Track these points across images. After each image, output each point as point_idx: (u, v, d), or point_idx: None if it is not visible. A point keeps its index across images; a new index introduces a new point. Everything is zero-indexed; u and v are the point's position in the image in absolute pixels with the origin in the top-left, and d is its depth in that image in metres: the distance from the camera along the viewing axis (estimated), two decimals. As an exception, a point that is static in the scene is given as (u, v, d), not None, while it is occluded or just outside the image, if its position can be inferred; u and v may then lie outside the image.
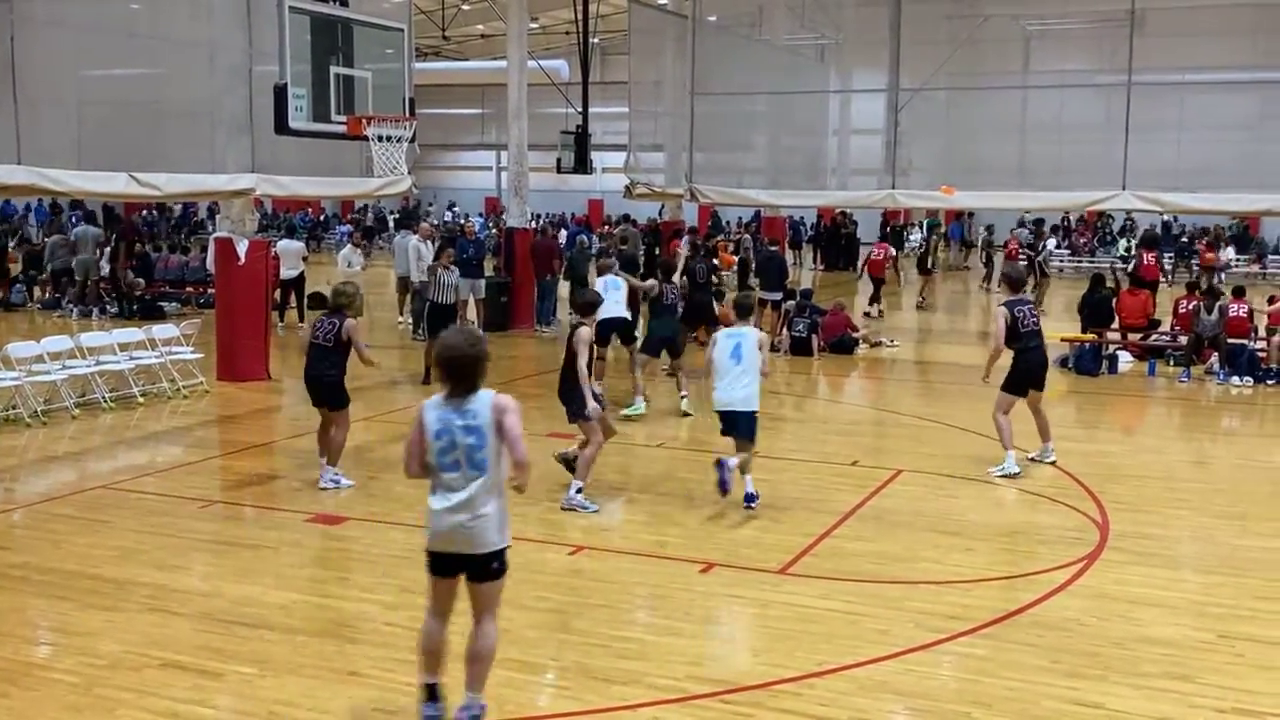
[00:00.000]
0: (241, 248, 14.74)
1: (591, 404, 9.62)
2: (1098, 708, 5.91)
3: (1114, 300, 17.96)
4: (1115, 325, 17.74)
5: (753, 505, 9.39)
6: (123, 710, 5.83)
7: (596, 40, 32.61)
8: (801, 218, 39.39)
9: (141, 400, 13.62)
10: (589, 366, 9.83)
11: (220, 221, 15.36)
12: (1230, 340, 16.20)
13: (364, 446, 11.28)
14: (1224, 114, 20.31)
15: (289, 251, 20.34)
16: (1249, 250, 33.84)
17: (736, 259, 27.03)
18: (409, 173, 14.81)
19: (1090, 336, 17.31)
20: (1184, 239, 34.87)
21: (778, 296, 19.03)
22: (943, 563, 8.22)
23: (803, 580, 7.86)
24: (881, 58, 21.62)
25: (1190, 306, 16.93)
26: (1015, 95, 21.84)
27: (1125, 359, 17.25)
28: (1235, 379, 15.63)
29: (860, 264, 26.91)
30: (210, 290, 19.64)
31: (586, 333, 9.73)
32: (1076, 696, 6.01)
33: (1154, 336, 17.70)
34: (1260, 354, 16.20)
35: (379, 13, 13.99)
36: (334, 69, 12.95)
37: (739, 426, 9.54)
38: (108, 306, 21.94)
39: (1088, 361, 16.73)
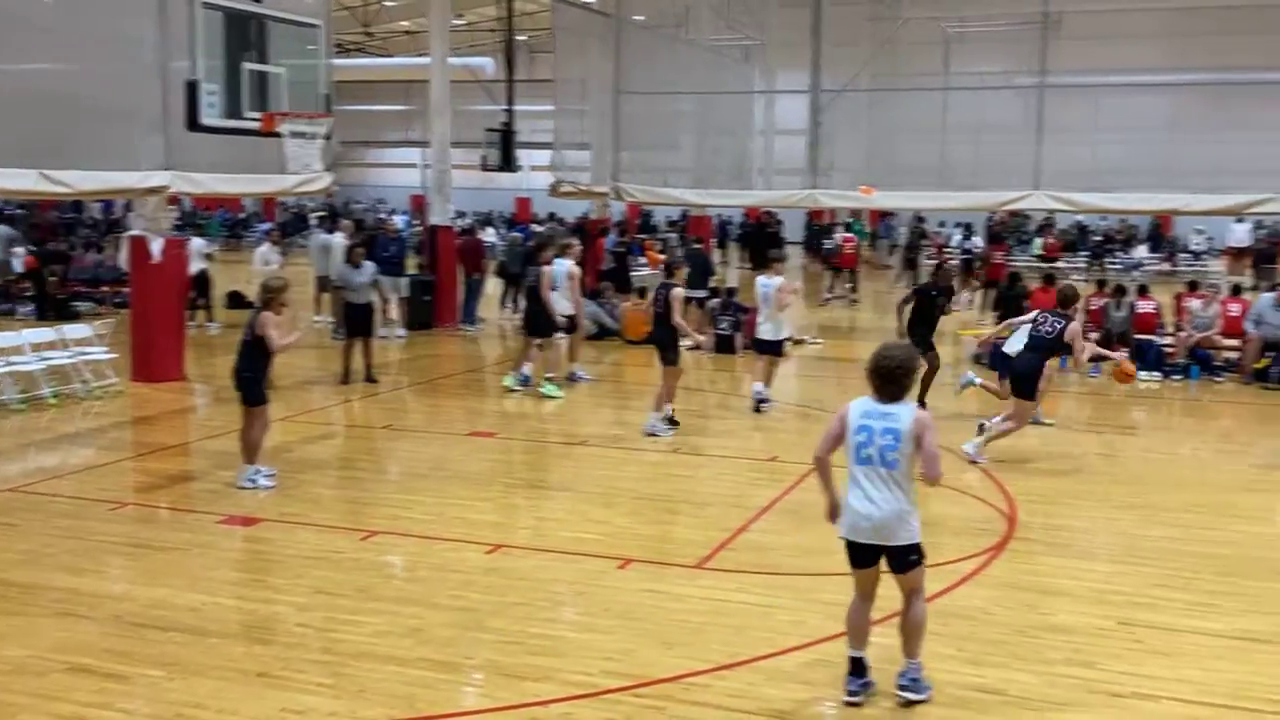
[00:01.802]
0: (156, 246, 14.50)
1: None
2: (999, 694, 6.06)
3: (1027, 297, 18.29)
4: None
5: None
6: (25, 716, 5.73)
7: (523, 38, 32.56)
8: (728, 216, 39.61)
9: (53, 401, 13.35)
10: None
11: (134, 220, 15.09)
12: (1138, 336, 16.62)
13: (281, 446, 11.16)
14: (1137, 116, 20.76)
15: (191, 249, 20.05)
16: (1161, 249, 34.64)
17: (663, 257, 27.15)
18: (327, 170, 14.68)
19: (1005, 332, 17.57)
20: (1099, 238, 35.60)
21: (703, 294, 19.14)
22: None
23: (719, 574, 7.94)
24: (804, 59, 21.84)
25: (1100, 304, 17.33)
26: (935, 97, 22.17)
27: (1038, 354, 17.55)
28: (1143, 374, 16.03)
29: (830, 257, 27.33)
30: (126, 290, 19.28)
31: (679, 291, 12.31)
32: (980, 683, 6.16)
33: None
34: (1168, 349, 16.64)
35: (295, 9, 13.84)
36: (247, 65, 12.79)
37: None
38: (18, 307, 21.43)
39: (1002, 357, 16.99)
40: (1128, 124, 20.52)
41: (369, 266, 15.17)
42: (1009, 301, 18.21)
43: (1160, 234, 36.29)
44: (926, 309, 13.59)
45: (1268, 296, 16.50)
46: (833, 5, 21.61)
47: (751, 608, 7.27)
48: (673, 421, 12.47)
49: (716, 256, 35.79)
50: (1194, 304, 17.00)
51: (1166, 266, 32.63)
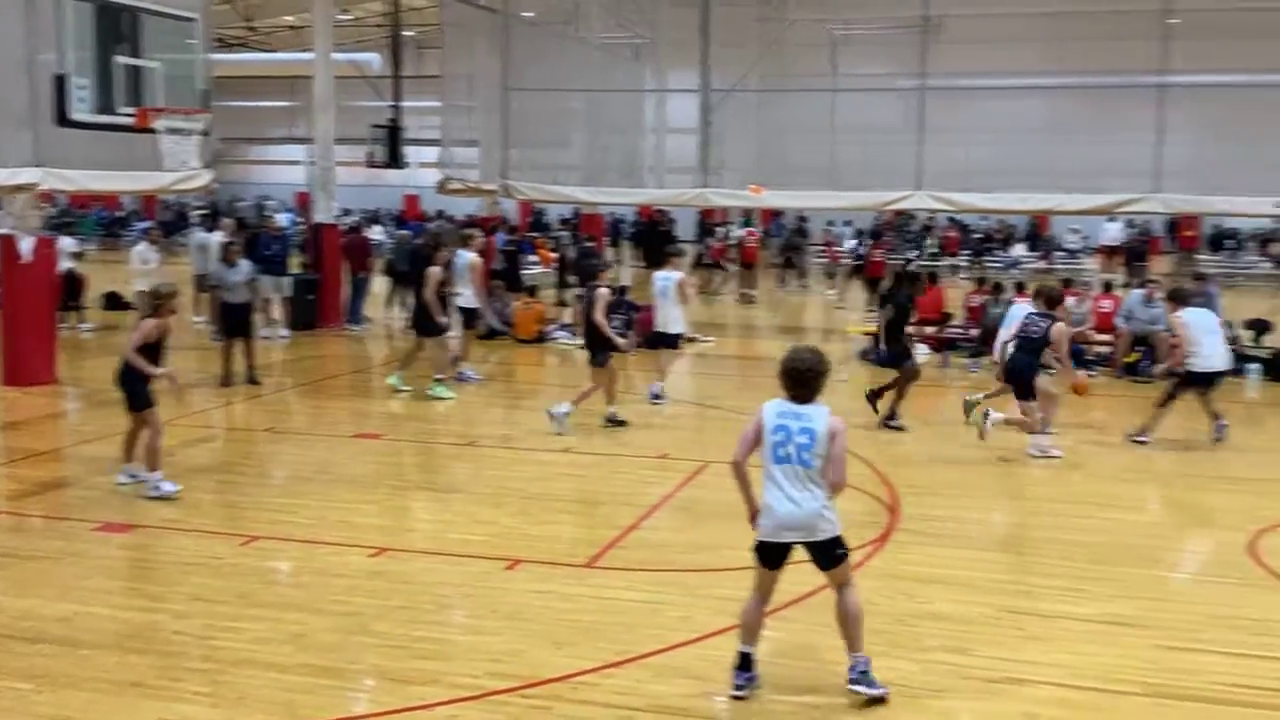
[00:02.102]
0: (26, 245, 14.00)
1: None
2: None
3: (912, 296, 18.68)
4: (913, 319, 18.42)
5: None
6: (-119, 735, 5.49)
7: (410, 34, 32.18)
8: (621, 215, 39.70)
9: (-84, 407, 12.81)
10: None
11: (1, 218, 14.54)
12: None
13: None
14: (1014, 118, 21.35)
15: (57, 248, 19.42)
16: (1038, 248, 35.66)
17: (555, 256, 27.12)
18: (205, 167, 14.32)
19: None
20: (978, 236, 36.50)
21: (592, 293, 19.13)
22: (746, 549, 8.31)
23: (609, 572, 7.95)
24: (694, 58, 21.99)
25: (979, 301, 17.78)
26: (823, 97, 22.49)
27: (922, 350, 17.96)
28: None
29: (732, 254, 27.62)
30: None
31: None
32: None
33: (947, 329, 18.50)
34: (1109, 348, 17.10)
35: (171, 1, 13.44)
36: (120, 59, 12.39)
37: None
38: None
39: (886, 354, 17.33)
40: (1006, 125, 21.09)
41: (245, 265, 14.85)
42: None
43: (1037, 233, 37.35)
44: (900, 316, 13.27)
45: (1138, 293, 17.09)
46: (721, 6, 21.79)
47: (641, 605, 7.30)
48: (618, 421, 12.56)
49: (609, 255, 35.87)
50: (1068, 301, 17.49)
51: (1043, 264, 33.58)
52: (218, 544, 8.39)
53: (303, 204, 44.31)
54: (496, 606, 7.27)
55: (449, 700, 5.91)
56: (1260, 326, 18.35)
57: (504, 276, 21.15)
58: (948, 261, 34.23)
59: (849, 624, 5.99)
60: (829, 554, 5.91)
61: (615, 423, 12.54)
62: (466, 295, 15.02)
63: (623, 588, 7.63)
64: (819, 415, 5.85)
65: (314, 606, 7.18)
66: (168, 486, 9.45)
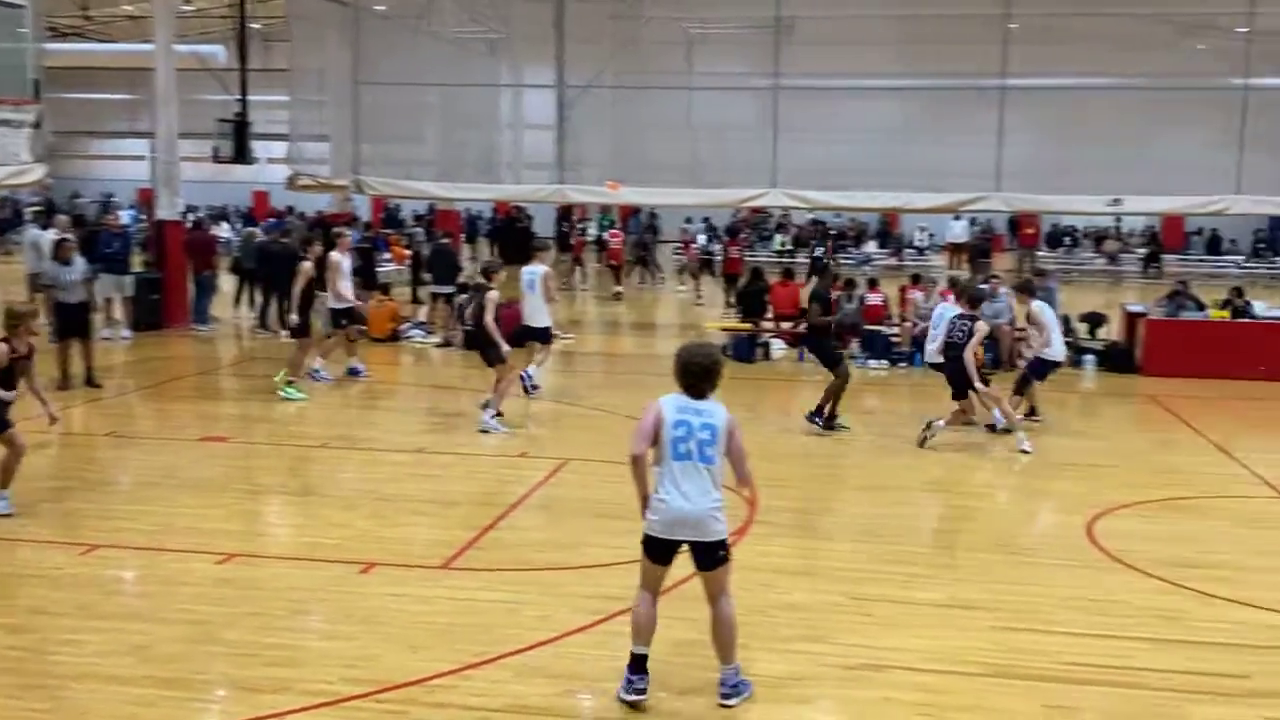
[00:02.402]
0: None
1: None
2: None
3: (768, 293, 19.00)
4: (769, 315, 18.76)
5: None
6: None
7: (257, 26, 31.26)
8: (479, 211, 39.34)
9: None
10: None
11: None
12: (868, 326, 17.54)
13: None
14: (865, 118, 21.77)
15: None
16: (889, 245, 36.62)
17: (409, 252, 26.73)
18: (38, 161, 13.66)
19: (746, 326, 18.26)
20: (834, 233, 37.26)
21: (449, 290, 18.94)
22: (606, 546, 8.39)
23: (466, 573, 7.85)
24: (550, 54, 21.88)
25: (833, 296, 18.10)
26: (680, 95, 22.56)
27: (778, 346, 18.31)
28: (873, 362, 16.94)
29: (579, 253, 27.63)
30: None
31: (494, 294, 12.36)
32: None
33: (802, 325, 18.82)
34: (894, 339, 17.59)
35: (-4, -13, 12.81)
36: (-60, 46, 11.76)
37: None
38: None
39: (745, 349, 17.64)
40: (857, 125, 21.50)
41: (80, 263, 14.24)
42: (752, 296, 18.90)
43: (888, 230, 38.35)
44: (825, 310, 12.95)
45: (982, 288, 17.64)
46: (575, 2, 21.73)
47: (498, 606, 7.22)
48: (498, 414, 12.63)
49: (466, 252, 35.53)
50: (917, 296, 18.02)
51: (894, 261, 34.48)
52: (56, 554, 8.02)
53: (144, 200, 42.85)
54: (350, 611, 7.11)
55: (301, 708, 5.76)
56: (1095, 320, 19.19)
57: (358, 274, 20.71)
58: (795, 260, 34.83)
59: (724, 633, 5.92)
60: (713, 555, 5.83)
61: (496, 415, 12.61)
62: (336, 294, 14.72)
63: (480, 589, 7.54)
64: (718, 411, 5.80)
65: (159, 616, 6.91)
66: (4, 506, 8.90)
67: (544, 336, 14.55)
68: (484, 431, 12.19)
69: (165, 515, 9.02)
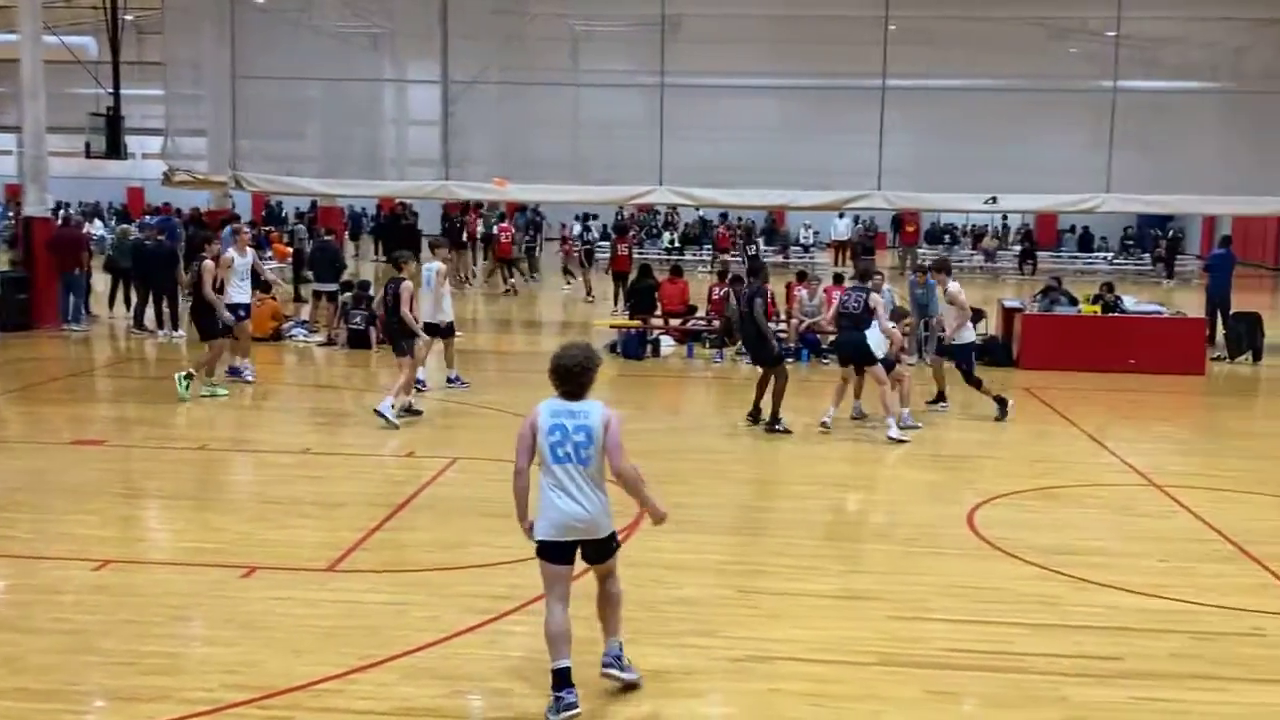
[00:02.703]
0: None
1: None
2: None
3: (657, 289, 19.09)
4: (658, 312, 18.85)
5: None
6: None
7: (130, 17, 30.32)
8: (363, 208, 38.78)
9: None
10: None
11: None
12: (713, 320, 17.73)
13: None
14: (751, 116, 21.99)
15: None
16: (775, 242, 37.09)
17: (291, 250, 26.22)
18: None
19: (635, 323, 18.32)
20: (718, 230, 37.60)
21: (332, 288, 18.63)
22: (494, 545, 8.32)
23: (352, 575, 7.72)
24: (435, 49, 21.62)
25: (721, 293, 18.30)
26: (566, 92, 22.53)
27: (667, 343, 18.40)
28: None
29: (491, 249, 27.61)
30: None
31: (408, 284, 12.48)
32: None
33: (691, 321, 18.98)
34: (780, 334, 17.78)
35: None
36: None
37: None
38: None
39: (634, 346, 17.69)
40: (743, 124, 21.72)
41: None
42: (641, 293, 18.96)
43: (775, 228, 38.84)
44: (762, 308, 12.76)
45: (872, 290, 17.97)
46: (458, -4, 21.52)
47: (386, 607, 7.11)
48: (415, 412, 12.70)
49: (350, 249, 35.00)
50: (802, 293, 18.27)
51: (780, 258, 34.94)
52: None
53: (11, 196, 41.28)
54: (232, 616, 6.93)
55: (181, 716, 5.59)
56: (974, 315, 19.62)
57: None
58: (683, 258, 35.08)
59: (612, 609, 6.01)
60: (606, 548, 5.87)
61: (412, 412, 12.70)
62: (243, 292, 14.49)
63: (366, 591, 7.42)
64: (593, 410, 5.77)
65: (30, 626, 6.65)
66: None
67: (447, 331, 14.63)
68: (381, 415, 12.19)
69: (36, 522, 8.70)
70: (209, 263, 13.61)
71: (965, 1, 20.38)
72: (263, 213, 38.54)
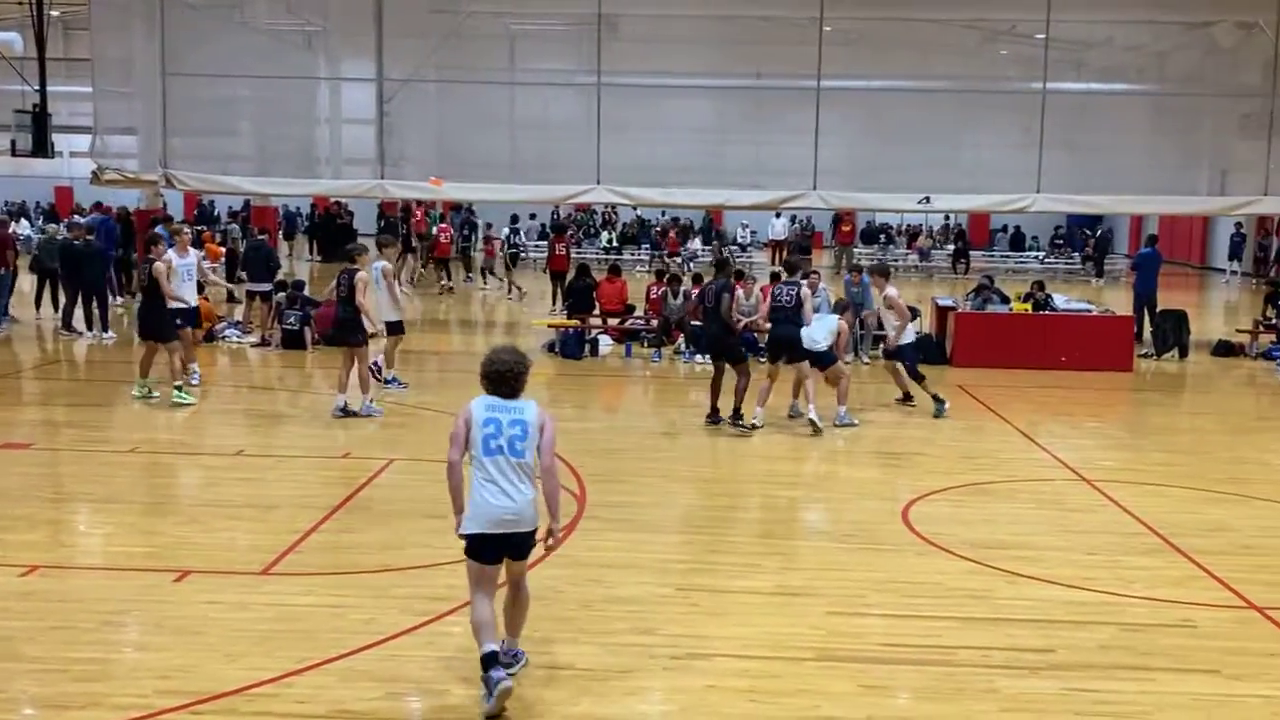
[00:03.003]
0: None
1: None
2: (569, 668, 6.25)
3: (595, 288, 19.09)
4: (596, 311, 18.85)
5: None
6: None
7: (56, 13, 29.75)
8: (298, 208, 38.34)
9: None
10: None
11: None
12: (694, 322, 17.75)
13: None
14: (687, 116, 22.07)
15: None
16: (712, 241, 37.19)
17: (224, 249, 25.88)
18: None
19: (574, 322, 18.30)
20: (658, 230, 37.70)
21: (266, 288, 18.40)
22: (431, 546, 8.28)
23: (287, 578, 7.64)
24: (369, 47, 21.44)
25: (659, 292, 18.35)
26: (503, 91, 22.45)
27: (605, 342, 18.41)
28: (699, 357, 17.16)
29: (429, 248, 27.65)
30: None
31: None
32: (549, 660, 6.32)
33: (629, 321, 19.00)
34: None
35: None
36: None
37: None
38: None
39: (572, 346, 17.67)
40: (680, 124, 21.79)
41: None
42: (579, 293, 18.95)
43: (712, 228, 38.98)
44: (719, 309, 12.62)
45: (803, 283, 18.10)
46: (395, -6, 21.35)
47: (321, 610, 7.04)
48: (350, 412, 12.73)
49: (285, 249, 34.60)
50: (739, 292, 18.31)
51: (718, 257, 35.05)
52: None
53: (-66, 195, 40.28)
54: (164, 621, 6.83)
55: (112, 725, 5.51)
56: (910, 313, 19.88)
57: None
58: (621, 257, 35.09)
59: (521, 609, 6.11)
60: (528, 545, 5.93)
61: (347, 413, 12.69)
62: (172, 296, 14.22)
63: (301, 593, 7.35)
64: (529, 407, 5.87)
65: (-49, 636, 6.51)
66: None
67: (395, 329, 14.64)
68: (367, 415, 12.64)
69: (-40, 528, 8.49)
70: (160, 265, 13.27)
71: (898, 4, 20.63)
72: (195, 212, 37.94)
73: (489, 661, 5.70)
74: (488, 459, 5.79)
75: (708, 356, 17.03)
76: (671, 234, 35.36)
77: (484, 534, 5.80)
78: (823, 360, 12.73)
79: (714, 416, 12.68)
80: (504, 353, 5.95)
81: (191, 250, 14.77)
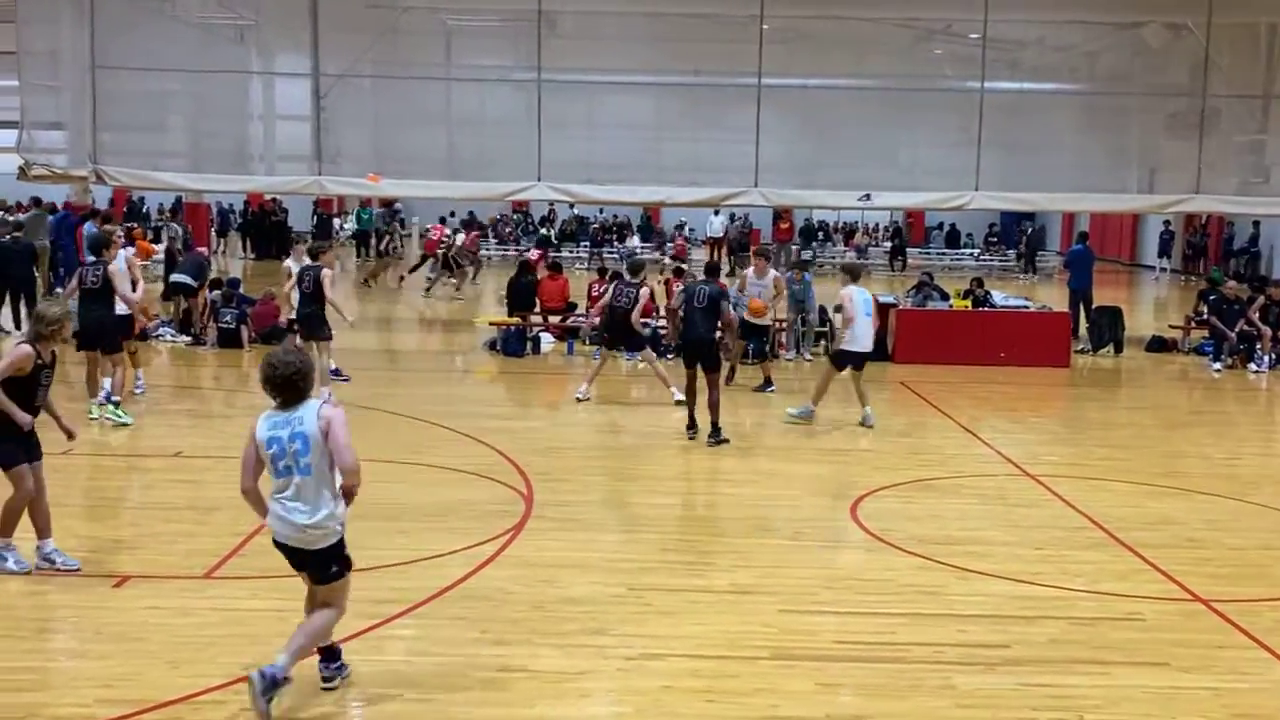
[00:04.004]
0: None
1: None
2: (522, 670, 6.16)
3: (537, 286, 18.96)
4: (537, 309, 18.73)
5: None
6: None
7: (-22, 4, 28.97)
8: (230, 204, 37.72)
9: None
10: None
11: None
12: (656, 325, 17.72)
13: None
14: (626, 114, 22.04)
15: None
16: (651, 239, 37.19)
17: (159, 247, 25.35)
18: None
19: (515, 320, 18.16)
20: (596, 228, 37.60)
21: (193, 285, 18.04)
22: (380, 547, 8.12)
23: (230, 582, 7.47)
24: (304, 41, 21.13)
25: (601, 290, 18.24)
26: (439, 87, 22.24)
27: (547, 340, 18.30)
28: (638, 354, 17.10)
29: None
30: None
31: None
32: (503, 663, 6.23)
33: (570, 318, 18.90)
34: (661, 331, 17.82)
35: None
36: None
37: None
38: None
39: (514, 343, 17.54)
40: (618, 121, 21.75)
41: None
42: (521, 290, 18.80)
43: (651, 225, 38.97)
44: (710, 314, 11.90)
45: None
46: (330, -13, 21.05)
47: (267, 614, 6.88)
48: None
49: (217, 245, 34.08)
50: (677, 289, 18.30)
51: (658, 255, 35.04)
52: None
53: None
54: (103, 628, 6.64)
55: (52, 736, 5.33)
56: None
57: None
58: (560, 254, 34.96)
59: (307, 635, 5.79)
60: (325, 569, 5.76)
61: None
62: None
63: (246, 597, 7.20)
64: (308, 416, 5.61)
65: (-121, 647, 6.27)
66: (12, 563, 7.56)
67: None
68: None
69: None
70: (114, 266, 12.27)
71: (835, 2, 20.74)
72: (124, 208, 37.11)
73: (324, 654, 5.89)
74: (280, 480, 5.65)
75: (674, 358, 16.87)
76: (680, 239, 34.96)
77: (275, 541, 5.78)
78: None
79: (693, 426, 11.97)
80: (282, 356, 5.71)
81: (121, 251, 13.97)
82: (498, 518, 8.92)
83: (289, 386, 5.61)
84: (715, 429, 11.67)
